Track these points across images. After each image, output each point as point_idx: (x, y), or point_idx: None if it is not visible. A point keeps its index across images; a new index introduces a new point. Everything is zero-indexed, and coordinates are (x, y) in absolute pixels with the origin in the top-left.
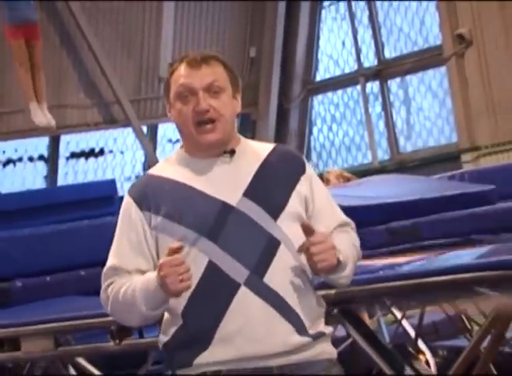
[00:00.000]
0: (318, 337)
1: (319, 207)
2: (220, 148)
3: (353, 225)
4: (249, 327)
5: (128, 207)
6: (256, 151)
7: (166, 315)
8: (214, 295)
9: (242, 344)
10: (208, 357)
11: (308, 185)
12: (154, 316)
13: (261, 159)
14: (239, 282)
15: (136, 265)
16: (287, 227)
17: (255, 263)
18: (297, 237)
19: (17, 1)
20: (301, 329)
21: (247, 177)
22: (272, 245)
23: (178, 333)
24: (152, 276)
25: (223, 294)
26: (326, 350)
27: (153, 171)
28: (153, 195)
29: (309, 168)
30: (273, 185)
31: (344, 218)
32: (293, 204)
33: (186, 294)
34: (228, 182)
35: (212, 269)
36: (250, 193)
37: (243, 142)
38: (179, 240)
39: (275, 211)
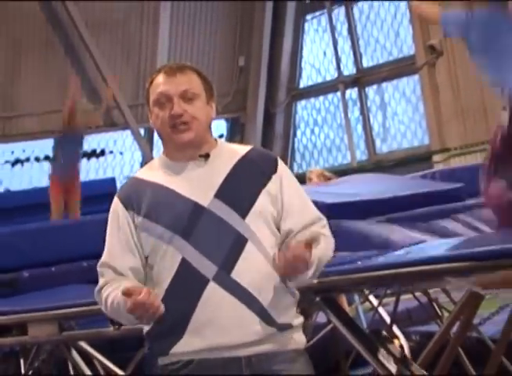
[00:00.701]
0: (285, 328)
1: (287, 205)
2: (195, 149)
3: (325, 221)
4: (218, 319)
5: (116, 208)
6: (231, 154)
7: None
8: (186, 290)
9: (212, 335)
10: (182, 347)
11: (278, 183)
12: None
13: (235, 161)
14: (208, 277)
15: (125, 262)
16: (255, 225)
17: (223, 260)
18: (265, 234)
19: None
20: (267, 320)
21: (219, 179)
22: (239, 242)
23: (156, 325)
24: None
25: (194, 289)
26: (293, 340)
27: (137, 174)
28: (136, 196)
29: (282, 167)
30: (243, 185)
31: (316, 215)
32: (262, 203)
33: (163, 288)
34: (201, 184)
35: (185, 265)
36: (221, 194)
37: (219, 146)
38: (157, 239)
39: (243, 211)
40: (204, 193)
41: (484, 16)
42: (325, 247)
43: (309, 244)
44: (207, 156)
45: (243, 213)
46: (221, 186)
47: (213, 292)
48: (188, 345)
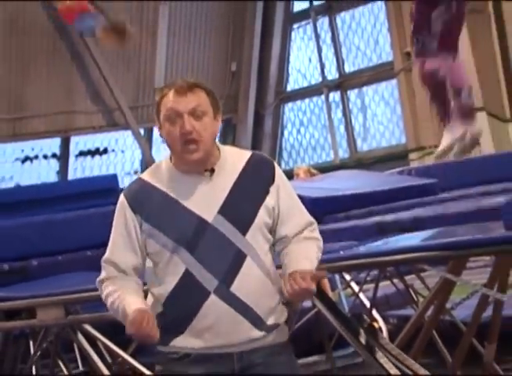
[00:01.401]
0: (273, 328)
1: (283, 213)
2: (202, 165)
3: (315, 225)
4: (216, 326)
5: (123, 208)
6: (233, 165)
7: (151, 298)
8: (188, 298)
9: (210, 338)
10: (181, 343)
11: (275, 193)
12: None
13: (237, 175)
14: (210, 290)
15: (127, 261)
16: (255, 240)
17: (224, 274)
18: (263, 247)
19: None
20: (260, 327)
21: (223, 194)
22: (239, 258)
23: (159, 317)
24: (130, 302)
25: (195, 299)
26: (279, 336)
27: (144, 176)
28: (144, 201)
29: (278, 175)
30: (244, 201)
31: (308, 219)
32: (261, 218)
33: (166, 290)
34: (207, 199)
35: (188, 276)
36: (224, 210)
37: (222, 157)
38: (162, 247)
39: (244, 228)
40: (208, 209)
41: None
42: (317, 251)
43: (315, 278)
44: (212, 171)
45: (244, 230)
46: (224, 203)
47: (213, 304)
48: (186, 343)
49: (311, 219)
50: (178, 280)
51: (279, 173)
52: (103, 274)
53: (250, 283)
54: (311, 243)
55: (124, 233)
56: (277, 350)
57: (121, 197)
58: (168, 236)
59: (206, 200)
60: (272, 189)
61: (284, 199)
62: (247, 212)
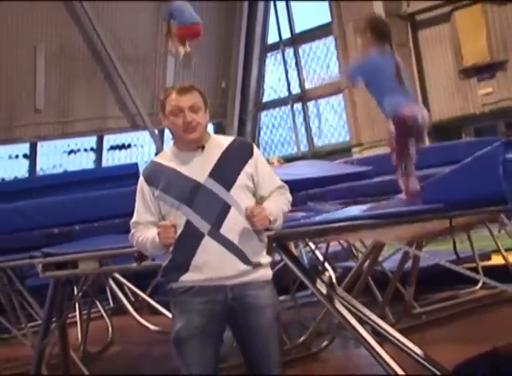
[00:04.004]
0: (257, 265)
1: (262, 179)
2: (196, 143)
3: (286, 187)
4: (211, 261)
5: (141, 184)
6: (219, 144)
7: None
8: (189, 241)
9: (207, 271)
10: (187, 277)
11: (254, 164)
12: (157, 254)
13: (222, 149)
14: (204, 232)
15: (147, 219)
16: (237, 195)
17: (214, 220)
18: (244, 201)
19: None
20: (245, 261)
21: (212, 163)
22: (225, 208)
23: (170, 262)
24: (155, 233)
25: (194, 240)
26: (263, 275)
27: (155, 159)
28: (155, 176)
29: (256, 151)
30: (228, 167)
31: (280, 183)
32: (242, 180)
33: (175, 237)
34: (200, 167)
35: (188, 224)
36: (212, 174)
37: (212, 139)
38: (170, 207)
39: (228, 186)
40: (201, 174)
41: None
42: (284, 202)
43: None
44: (203, 147)
45: (228, 187)
46: (213, 169)
47: (207, 243)
48: (191, 277)
49: (282, 183)
50: (182, 229)
51: (256, 150)
52: (132, 231)
53: (234, 226)
54: (282, 196)
55: (143, 201)
56: (261, 285)
57: (141, 177)
58: (173, 197)
59: (199, 168)
60: (251, 161)
61: (261, 169)
62: (231, 175)
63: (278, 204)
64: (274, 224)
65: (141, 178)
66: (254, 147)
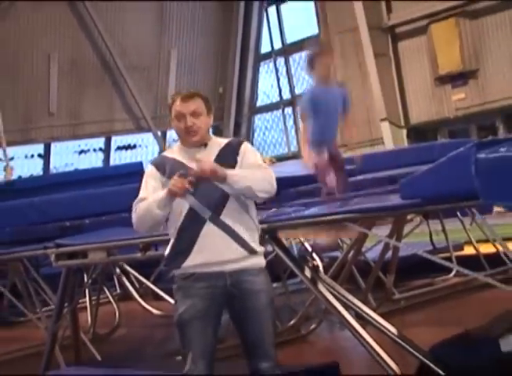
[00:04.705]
0: (252, 252)
1: (245, 160)
2: (199, 143)
3: (269, 169)
4: (212, 244)
5: (151, 170)
6: (218, 143)
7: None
8: (192, 226)
9: (208, 254)
10: (190, 261)
11: (242, 153)
12: (162, 217)
13: (220, 148)
14: (206, 218)
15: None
16: None
17: (214, 207)
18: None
19: None
20: (242, 245)
21: (212, 158)
22: (224, 196)
23: (173, 248)
24: (161, 192)
25: (197, 225)
26: (258, 262)
27: (164, 153)
28: (163, 165)
29: (245, 144)
30: (225, 161)
31: (264, 165)
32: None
33: (179, 222)
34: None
35: (191, 210)
36: None
37: (213, 139)
38: None
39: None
40: None
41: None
42: (259, 174)
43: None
44: (205, 145)
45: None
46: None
47: (209, 228)
48: (193, 261)
49: (266, 166)
50: (185, 214)
51: (246, 143)
52: (134, 207)
53: (233, 213)
54: (257, 170)
55: (152, 183)
56: (257, 272)
57: (149, 164)
58: None
59: None
60: (240, 151)
61: (248, 155)
62: (227, 168)
63: (246, 171)
64: (233, 182)
65: (151, 167)
66: (245, 141)
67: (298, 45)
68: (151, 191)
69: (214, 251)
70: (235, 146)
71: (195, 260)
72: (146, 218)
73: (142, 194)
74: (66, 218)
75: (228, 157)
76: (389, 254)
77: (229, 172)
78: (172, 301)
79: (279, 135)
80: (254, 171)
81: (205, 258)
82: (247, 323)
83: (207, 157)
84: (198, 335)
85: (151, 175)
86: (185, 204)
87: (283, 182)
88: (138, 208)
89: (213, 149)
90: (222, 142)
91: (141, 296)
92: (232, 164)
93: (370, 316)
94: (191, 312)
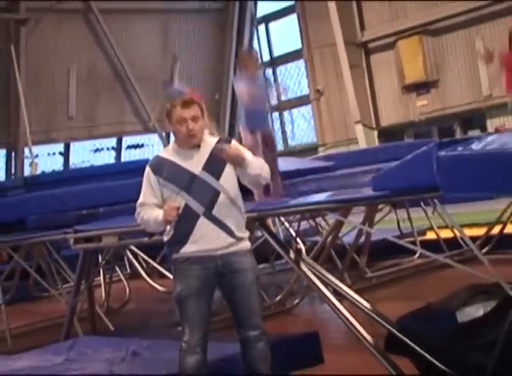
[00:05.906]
0: (240, 239)
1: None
2: (196, 145)
3: (267, 166)
4: (205, 236)
5: (148, 173)
6: (209, 143)
7: (168, 228)
8: (187, 220)
9: (202, 243)
10: (186, 249)
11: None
12: (159, 230)
13: (211, 148)
14: (200, 213)
15: (152, 201)
16: (226, 183)
17: (207, 204)
18: (230, 188)
19: None
20: (232, 235)
21: (204, 158)
22: (215, 194)
23: (172, 237)
24: (158, 213)
25: (192, 220)
26: (245, 245)
27: (159, 154)
28: (160, 167)
29: (234, 143)
30: (216, 162)
31: (258, 159)
32: (227, 170)
33: (175, 220)
34: (195, 162)
35: (187, 207)
36: (205, 167)
37: (205, 140)
38: (172, 192)
39: (217, 175)
40: (197, 167)
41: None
42: (259, 163)
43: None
44: (199, 146)
45: (218, 177)
46: (205, 164)
47: (202, 222)
48: (189, 248)
49: (263, 160)
50: (181, 211)
51: (234, 141)
52: (138, 210)
53: (223, 208)
54: (256, 159)
55: (150, 187)
56: (243, 253)
57: (147, 167)
58: (175, 185)
59: (195, 163)
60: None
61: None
62: (219, 167)
63: (254, 158)
64: (247, 167)
65: (148, 169)
66: (233, 140)
67: (284, 58)
68: (149, 195)
69: (206, 241)
70: (224, 143)
71: (191, 247)
72: (146, 226)
73: (141, 199)
74: (83, 208)
75: (219, 157)
76: (362, 238)
77: (248, 158)
78: None
79: None
80: (260, 161)
81: (199, 247)
82: (237, 297)
83: (202, 156)
84: (194, 310)
85: (148, 179)
86: (181, 200)
87: None
88: (139, 216)
89: (205, 149)
90: (213, 141)
91: (148, 275)
92: (223, 164)
93: (346, 292)
94: (188, 291)
